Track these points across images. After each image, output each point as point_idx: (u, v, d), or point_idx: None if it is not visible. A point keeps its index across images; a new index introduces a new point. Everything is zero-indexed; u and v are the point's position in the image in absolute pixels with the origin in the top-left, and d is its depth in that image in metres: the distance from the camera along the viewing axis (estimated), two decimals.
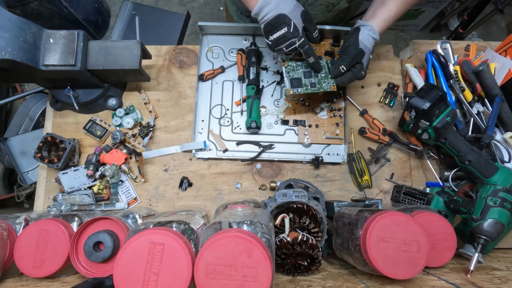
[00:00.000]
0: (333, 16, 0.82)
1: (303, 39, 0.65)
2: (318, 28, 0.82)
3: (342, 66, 0.70)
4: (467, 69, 0.80)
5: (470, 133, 0.77)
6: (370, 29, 0.70)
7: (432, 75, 0.82)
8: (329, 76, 0.74)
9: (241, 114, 0.84)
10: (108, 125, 0.84)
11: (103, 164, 0.78)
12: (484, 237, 0.61)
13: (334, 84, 0.74)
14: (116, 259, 0.44)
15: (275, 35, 0.65)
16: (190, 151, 0.82)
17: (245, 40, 0.88)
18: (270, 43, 0.67)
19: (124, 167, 0.78)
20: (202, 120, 0.83)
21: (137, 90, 0.87)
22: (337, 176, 0.83)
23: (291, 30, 0.64)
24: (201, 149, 0.82)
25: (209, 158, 0.82)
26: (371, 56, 0.72)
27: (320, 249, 0.61)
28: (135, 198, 0.81)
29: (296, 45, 0.65)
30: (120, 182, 0.80)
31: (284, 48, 0.66)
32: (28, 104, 1.41)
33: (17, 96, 0.92)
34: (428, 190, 0.79)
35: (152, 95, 0.86)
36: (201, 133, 0.83)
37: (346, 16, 0.91)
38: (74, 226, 0.63)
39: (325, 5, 0.74)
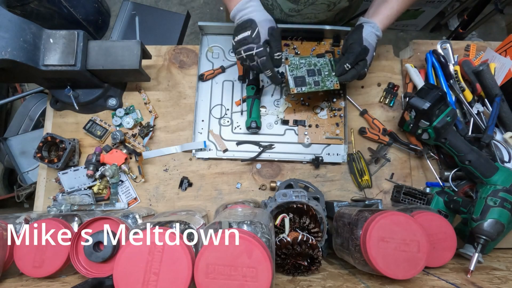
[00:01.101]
0: (333, 15, 0.82)
1: (261, 48, 0.65)
2: (318, 28, 0.83)
3: (347, 64, 0.69)
4: (467, 69, 0.80)
5: (470, 133, 0.77)
6: (373, 26, 0.70)
7: (432, 75, 0.82)
8: (332, 74, 0.74)
9: (241, 114, 0.84)
10: (108, 125, 0.84)
11: (103, 164, 0.78)
12: (484, 237, 0.61)
13: (338, 82, 0.74)
14: (116, 259, 0.44)
15: (239, 36, 0.66)
16: (190, 151, 0.82)
17: None
18: (233, 43, 0.68)
19: (124, 167, 0.78)
20: (202, 120, 0.83)
21: (137, 90, 0.87)
22: (337, 176, 0.82)
23: (253, 35, 0.65)
24: (201, 149, 0.82)
25: (209, 158, 0.82)
26: (374, 54, 0.72)
27: (320, 249, 0.61)
28: (135, 198, 0.81)
29: (253, 51, 0.65)
30: (120, 182, 0.80)
31: (242, 51, 0.67)
32: (28, 104, 1.41)
33: (17, 96, 0.92)
34: (428, 190, 0.79)
35: (152, 95, 0.86)
36: (201, 133, 0.83)
37: (346, 16, 0.91)
38: (74, 226, 0.63)
39: (326, 4, 0.75)
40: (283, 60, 0.73)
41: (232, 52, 0.87)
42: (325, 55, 0.78)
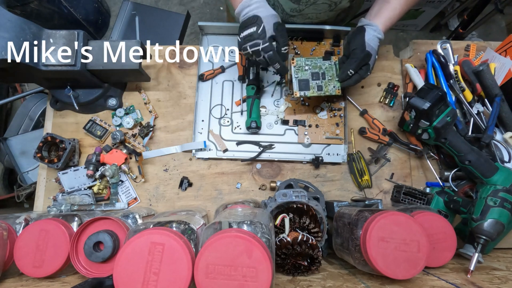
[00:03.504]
0: (335, 15, 0.82)
1: (267, 44, 0.66)
2: (318, 28, 0.83)
3: (350, 70, 0.70)
4: (467, 69, 0.80)
5: (470, 133, 0.77)
6: (375, 29, 0.70)
7: (432, 75, 0.82)
8: (336, 79, 0.75)
9: (241, 114, 0.84)
10: (108, 125, 0.84)
11: (103, 164, 0.78)
12: (484, 237, 0.61)
13: (340, 88, 0.75)
14: (116, 259, 0.44)
15: (245, 32, 0.67)
16: (190, 151, 0.82)
17: None
18: (239, 40, 0.69)
19: (124, 167, 0.78)
20: (202, 120, 0.83)
21: (137, 90, 0.87)
22: (337, 176, 0.82)
23: (259, 31, 0.65)
24: (201, 149, 0.82)
25: (209, 158, 0.82)
26: (376, 57, 0.72)
27: (320, 249, 0.61)
28: (135, 198, 0.81)
29: (259, 47, 0.66)
30: (120, 182, 0.80)
31: (248, 47, 0.67)
32: (28, 104, 1.41)
33: (17, 96, 0.92)
34: (428, 190, 0.79)
35: (152, 95, 0.86)
36: (201, 133, 0.83)
37: (347, 17, 0.91)
38: (74, 226, 0.63)
39: (328, 4, 0.75)
40: (289, 54, 0.73)
41: (232, 52, 0.87)
42: (331, 57, 0.77)
